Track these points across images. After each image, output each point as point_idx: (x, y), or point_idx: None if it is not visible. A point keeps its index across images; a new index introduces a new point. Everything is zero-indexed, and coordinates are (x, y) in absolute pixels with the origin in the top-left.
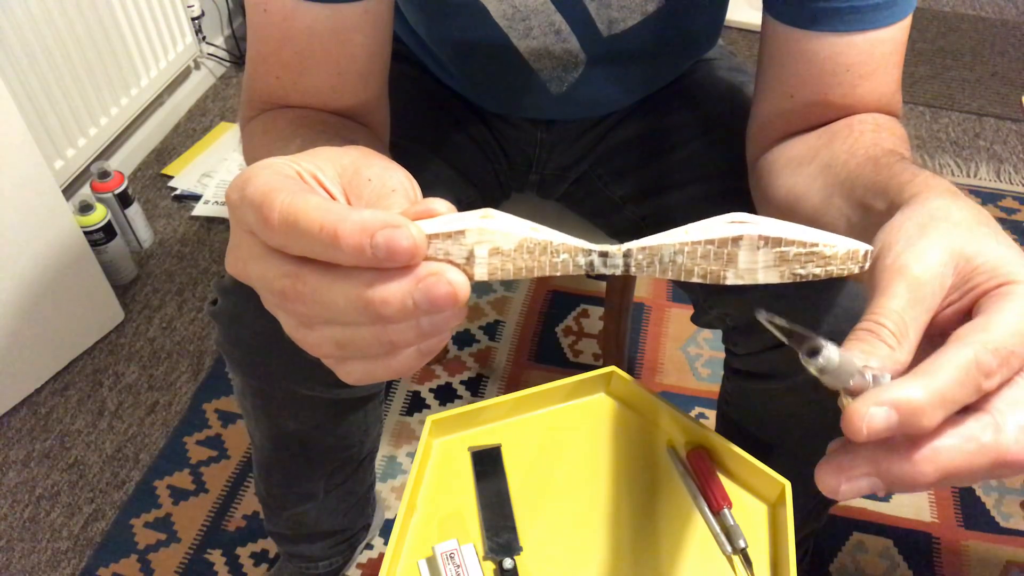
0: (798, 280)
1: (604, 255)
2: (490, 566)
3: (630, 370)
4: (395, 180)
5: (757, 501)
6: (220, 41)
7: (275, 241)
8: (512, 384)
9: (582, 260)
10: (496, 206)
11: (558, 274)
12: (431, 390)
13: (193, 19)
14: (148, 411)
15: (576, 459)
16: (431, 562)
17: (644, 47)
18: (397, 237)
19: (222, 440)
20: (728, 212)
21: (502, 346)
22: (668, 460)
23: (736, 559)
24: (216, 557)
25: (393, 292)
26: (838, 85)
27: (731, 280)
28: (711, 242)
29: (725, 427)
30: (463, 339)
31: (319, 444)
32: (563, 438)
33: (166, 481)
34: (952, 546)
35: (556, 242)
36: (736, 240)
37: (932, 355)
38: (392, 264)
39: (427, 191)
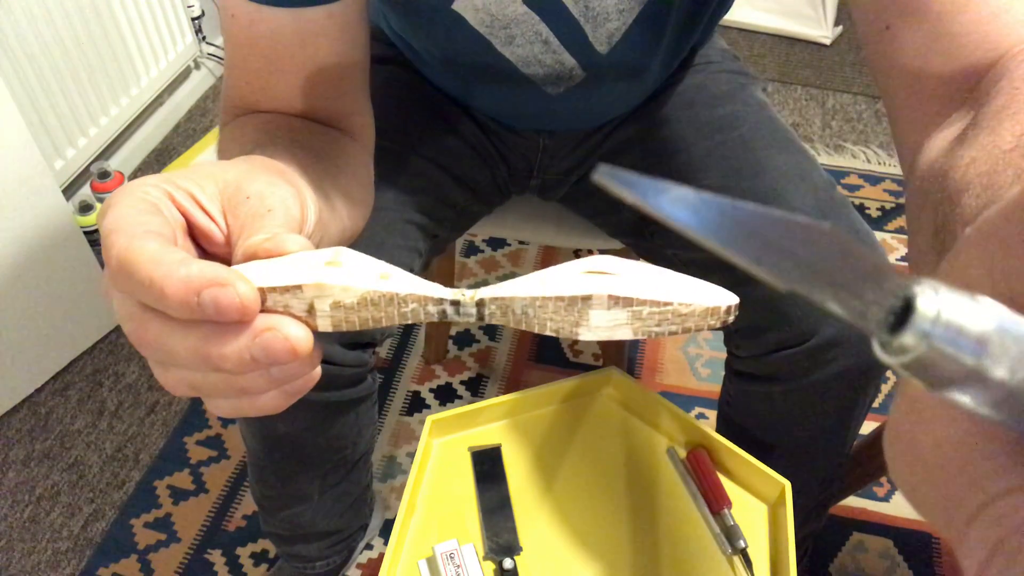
0: (654, 337)
1: (456, 304)
2: (490, 566)
3: (630, 370)
4: (275, 199)
5: (757, 501)
6: (220, 41)
7: (116, 285)
8: (512, 384)
9: (433, 309)
10: (494, 209)
11: (409, 322)
12: (431, 390)
13: (193, 19)
14: (148, 411)
15: (576, 459)
16: (431, 562)
17: (643, 46)
18: (223, 295)
19: (222, 440)
20: (727, 212)
21: (502, 346)
22: (668, 460)
23: (736, 559)
24: (216, 557)
25: (230, 348)
26: (959, 19)
27: (584, 336)
28: (561, 299)
29: (726, 428)
30: (463, 339)
31: (311, 446)
32: (563, 438)
33: (166, 481)
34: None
35: (403, 293)
36: (586, 299)
37: None
38: (223, 320)
39: (423, 197)
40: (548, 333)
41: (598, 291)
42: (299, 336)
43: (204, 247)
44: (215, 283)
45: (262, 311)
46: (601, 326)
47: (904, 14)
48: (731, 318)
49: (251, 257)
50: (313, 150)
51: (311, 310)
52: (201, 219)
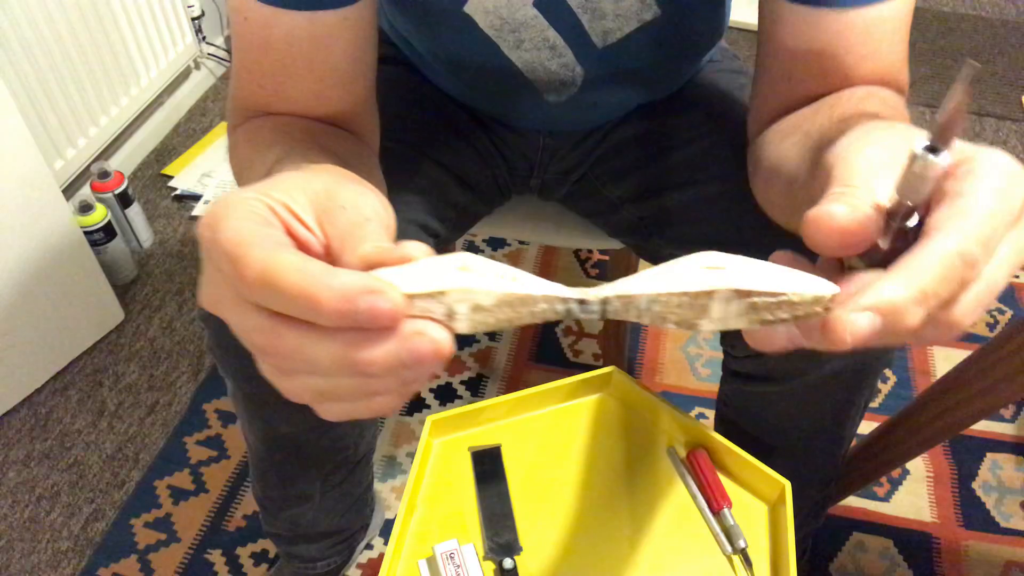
0: (766, 325)
1: (582, 302)
2: (490, 566)
3: (630, 370)
4: (369, 208)
5: (757, 501)
6: (220, 41)
7: (251, 297)
8: (512, 384)
9: (560, 308)
10: (494, 209)
11: (538, 322)
12: (431, 390)
13: (193, 19)
14: (148, 411)
15: (576, 459)
16: (431, 562)
17: (642, 55)
18: (378, 303)
19: (222, 440)
20: (728, 211)
21: (502, 346)
22: (668, 460)
23: (736, 559)
24: (216, 557)
25: (378, 352)
26: (838, 67)
27: (704, 328)
28: (686, 294)
29: (724, 428)
30: (463, 339)
31: (313, 446)
32: (563, 438)
33: (166, 481)
34: (952, 546)
35: (536, 294)
36: (710, 294)
37: (913, 249)
38: (374, 326)
39: (424, 197)
40: (669, 327)
41: (722, 285)
42: (445, 339)
43: None
44: (369, 291)
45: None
46: (721, 317)
47: (798, 11)
48: (833, 306)
49: (374, 266)
50: (338, 156)
51: (451, 314)
52: (300, 230)
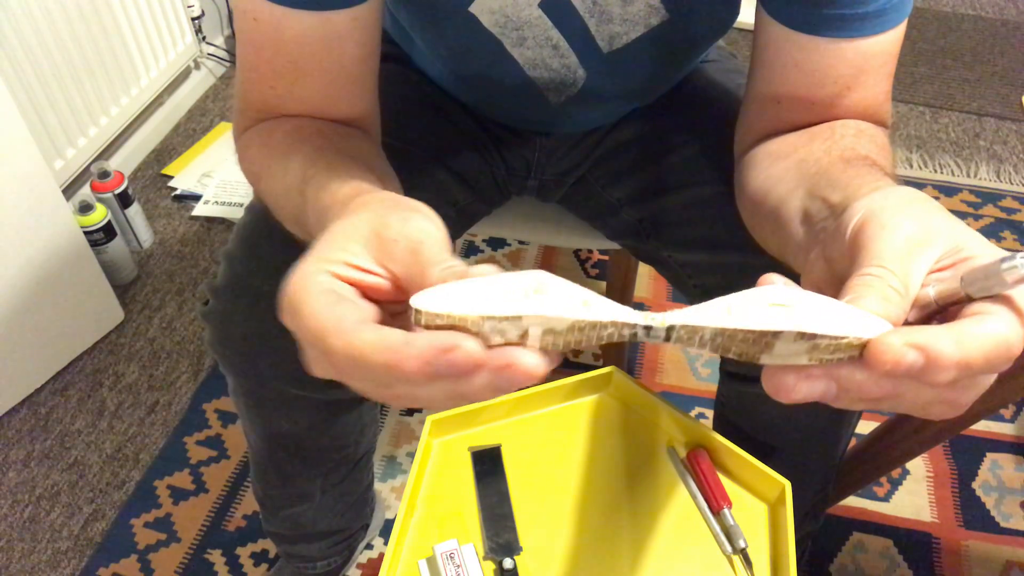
0: (823, 363)
1: (648, 328)
2: (490, 566)
3: (630, 370)
4: (416, 231)
5: (757, 501)
6: (220, 41)
7: (344, 375)
8: None
9: (627, 333)
10: (494, 209)
11: (604, 344)
12: None
13: (193, 19)
14: (148, 411)
15: (576, 459)
16: (431, 562)
17: (646, 59)
18: (456, 358)
19: (222, 440)
20: (724, 213)
21: None
22: (668, 460)
23: (736, 559)
24: (216, 557)
25: (477, 385)
26: (825, 96)
27: (765, 361)
28: (752, 332)
29: (722, 428)
30: None
31: (313, 444)
32: (563, 438)
33: (166, 481)
34: (952, 546)
35: (605, 320)
36: (777, 334)
37: (969, 319)
38: (459, 375)
39: (424, 194)
40: (731, 356)
41: (787, 327)
42: (536, 364)
43: (376, 299)
44: (444, 350)
45: (478, 334)
46: (783, 354)
47: (797, 46)
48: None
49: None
50: (359, 159)
51: (524, 335)
52: (368, 280)
